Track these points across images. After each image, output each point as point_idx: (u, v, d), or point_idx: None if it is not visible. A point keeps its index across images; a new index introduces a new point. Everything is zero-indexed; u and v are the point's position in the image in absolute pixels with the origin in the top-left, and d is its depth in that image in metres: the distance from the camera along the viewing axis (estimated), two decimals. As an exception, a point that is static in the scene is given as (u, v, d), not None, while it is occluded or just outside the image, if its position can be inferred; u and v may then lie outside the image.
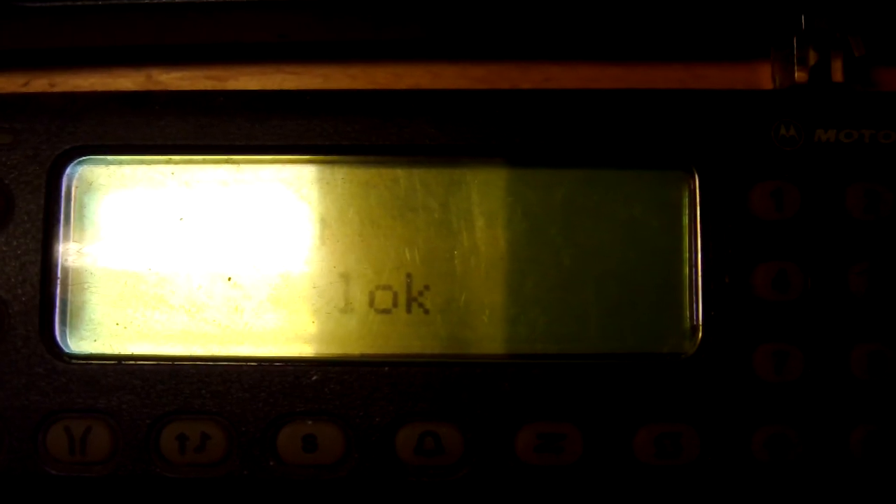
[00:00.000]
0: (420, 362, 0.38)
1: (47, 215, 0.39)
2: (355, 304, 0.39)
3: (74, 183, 0.39)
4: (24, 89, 0.41)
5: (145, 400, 0.38)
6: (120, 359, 0.38)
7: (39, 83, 0.41)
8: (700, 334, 0.38)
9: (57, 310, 0.38)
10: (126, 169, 0.39)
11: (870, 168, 0.38)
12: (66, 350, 0.38)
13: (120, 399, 0.38)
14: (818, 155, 0.38)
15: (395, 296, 0.39)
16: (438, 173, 0.39)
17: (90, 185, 0.39)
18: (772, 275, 0.38)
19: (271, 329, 0.39)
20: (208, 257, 0.39)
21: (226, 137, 0.39)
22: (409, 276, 0.39)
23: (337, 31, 0.40)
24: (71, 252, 0.39)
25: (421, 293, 0.39)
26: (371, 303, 0.39)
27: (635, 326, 0.39)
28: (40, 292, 0.38)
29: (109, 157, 0.39)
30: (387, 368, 0.38)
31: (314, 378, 0.38)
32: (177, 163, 0.39)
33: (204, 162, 0.39)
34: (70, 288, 0.39)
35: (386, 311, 0.39)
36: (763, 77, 0.41)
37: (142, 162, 0.39)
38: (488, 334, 0.39)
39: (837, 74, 0.39)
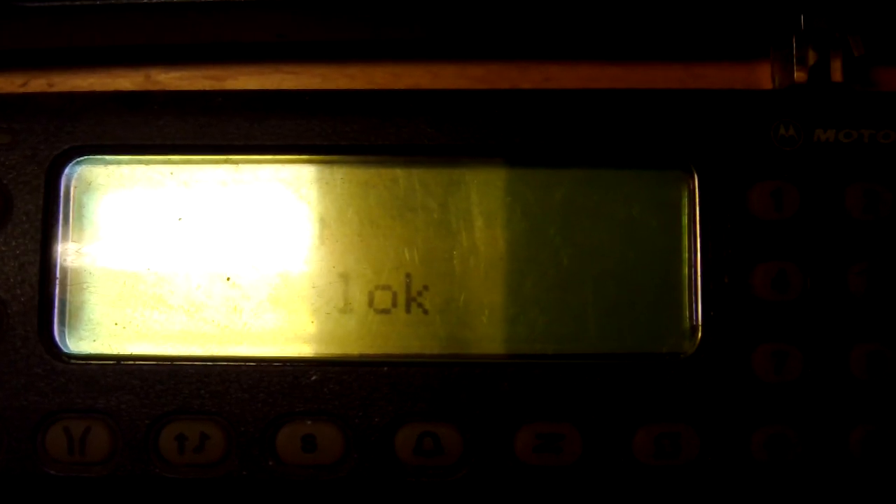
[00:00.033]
0: (419, 362, 0.38)
1: (46, 215, 0.38)
2: (354, 304, 0.39)
3: (73, 183, 0.39)
4: (22, 89, 0.41)
5: (144, 400, 0.38)
6: (119, 359, 0.38)
7: (38, 83, 0.41)
8: (699, 334, 0.38)
9: (56, 310, 0.38)
10: (125, 169, 0.39)
11: (869, 168, 0.38)
12: (65, 350, 0.38)
13: (119, 399, 0.38)
14: (817, 155, 0.38)
15: (395, 296, 0.39)
16: (438, 173, 0.39)
17: (89, 184, 0.39)
18: (771, 275, 0.38)
19: (270, 329, 0.39)
20: (207, 257, 0.39)
21: (224, 137, 0.39)
22: (408, 276, 0.39)
23: (335, 31, 0.40)
24: (70, 252, 0.39)
25: (420, 293, 0.39)
26: (370, 303, 0.39)
27: (634, 326, 0.39)
28: (39, 292, 0.38)
29: (108, 157, 0.39)
30: (386, 368, 0.38)
31: (313, 378, 0.38)
32: (175, 163, 0.39)
33: (203, 162, 0.39)
34: (69, 288, 0.39)
35: (385, 312, 0.39)
36: (762, 77, 0.40)
37: (140, 162, 0.39)
38: (487, 334, 0.39)
39: (837, 74, 0.39)
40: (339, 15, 0.40)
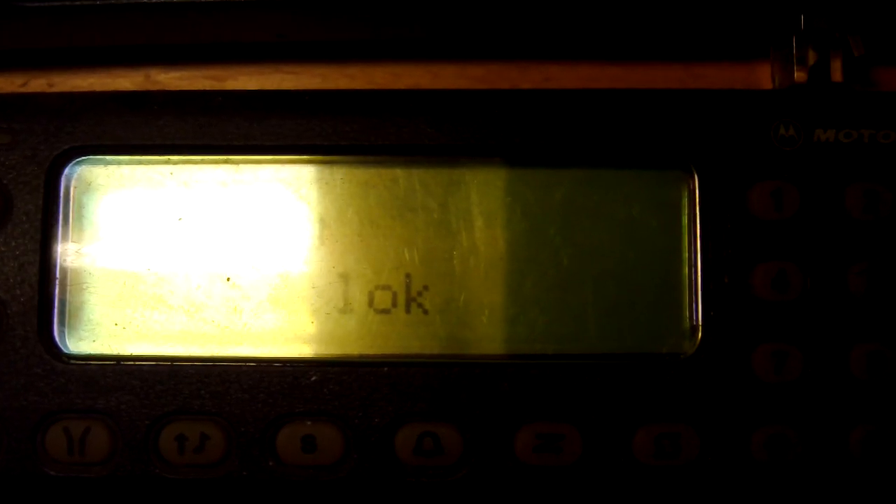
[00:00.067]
0: (419, 362, 0.38)
1: (46, 215, 0.38)
2: (354, 304, 0.39)
3: (73, 183, 0.39)
4: (22, 89, 0.41)
5: (144, 400, 0.38)
6: (119, 359, 0.38)
7: (38, 83, 0.41)
8: (699, 334, 0.38)
9: (55, 310, 0.38)
10: (125, 169, 0.39)
11: (869, 168, 0.38)
12: (65, 350, 0.38)
13: (119, 399, 0.38)
14: (817, 155, 0.38)
15: (395, 296, 0.39)
16: (437, 173, 0.39)
17: (89, 185, 0.39)
18: (771, 275, 0.38)
19: (270, 329, 0.39)
20: (207, 257, 0.39)
21: (224, 137, 0.39)
22: (408, 276, 0.39)
23: (335, 31, 0.40)
24: (69, 252, 0.39)
25: (420, 293, 0.39)
26: (370, 303, 0.39)
27: (634, 326, 0.39)
28: (39, 293, 0.38)
29: (108, 157, 0.39)
30: (386, 369, 0.38)
31: (313, 378, 0.38)
32: (175, 163, 0.39)
33: (203, 162, 0.39)
34: (69, 288, 0.39)
35: (385, 312, 0.39)
36: (762, 77, 0.40)
37: (140, 162, 0.39)
38: (487, 334, 0.39)
39: (837, 74, 0.39)
40: (339, 15, 0.40)
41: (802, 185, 0.38)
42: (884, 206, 0.38)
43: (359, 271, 0.39)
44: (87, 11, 0.40)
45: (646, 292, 0.39)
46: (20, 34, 0.40)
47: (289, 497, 0.38)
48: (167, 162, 0.39)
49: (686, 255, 0.38)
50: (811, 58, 0.39)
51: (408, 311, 0.39)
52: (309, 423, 0.38)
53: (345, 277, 0.39)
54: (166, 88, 0.41)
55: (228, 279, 0.39)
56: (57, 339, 0.38)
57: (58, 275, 0.39)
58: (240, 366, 0.38)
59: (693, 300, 0.38)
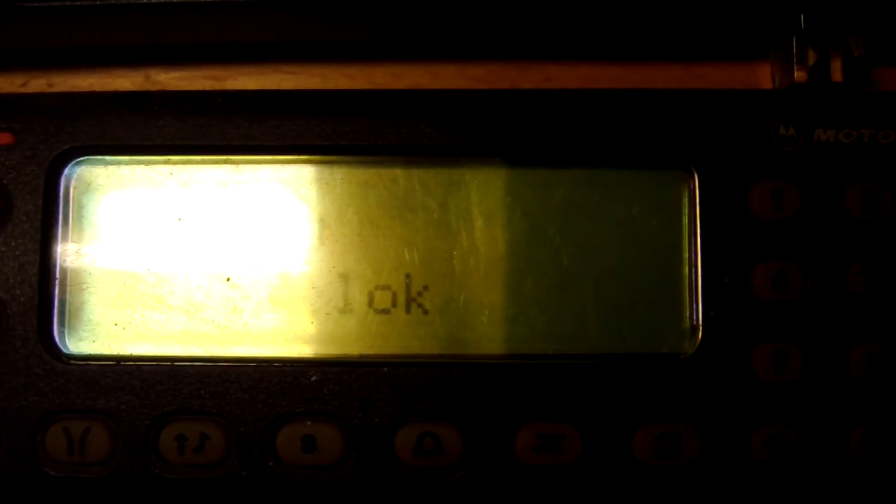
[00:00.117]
0: (419, 363, 0.38)
1: (46, 216, 0.38)
2: (354, 304, 0.39)
3: (73, 183, 0.39)
4: (22, 89, 0.41)
5: (144, 400, 0.38)
6: (119, 359, 0.38)
7: (38, 83, 0.41)
8: (699, 334, 0.38)
9: (55, 310, 0.38)
10: (124, 169, 0.39)
11: (869, 168, 0.38)
12: (65, 351, 0.38)
13: (119, 400, 0.38)
14: (817, 155, 0.38)
15: (395, 296, 0.39)
16: (437, 173, 0.39)
17: (89, 185, 0.39)
18: (771, 275, 0.38)
19: (270, 329, 0.39)
20: (207, 258, 0.39)
21: (224, 137, 0.39)
22: (408, 276, 0.39)
23: (335, 31, 0.40)
24: (69, 252, 0.39)
25: (420, 293, 0.39)
26: (370, 303, 0.39)
27: (635, 326, 0.39)
28: (39, 293, 0.38)
29: (108, 158, 0.39)
30: (386, 369, 0.38)
31: (313, 378, 0.38)
32: (175, 163, 0.39)
33: (202, 162, 0.39)
34: (69, 288, 0.39)
35: (385, 312, 0.39)
36: (762, 77, 0.40)
37: (140, 162, 0.39)
38: (487, 334, 0.39)
39: (837, 74, 0.39)
40: (339, 15, 0.40)
41: (802, 185, 0.38)
42: (884, 206, 0.38)
43: (359, 271, 0.39)
44: (87, 11, 0.40)
45: (646, 292, 0.39)
46: (20, 34, 0.40)
47: (289, 497, 0.38)
48: (167, 162, 0.39)
49: (686, 254, 0.38)
50: (811, 58, 0.39)
51: (408, 311, 0.39)
52: (309, 423, 0.38)
53: (345, 277, 0.39)
54: (166, 88, 0.41)
55: (228, 279, 0.39)
56: (57, 339, 0.38)
57: (58, 275, 0.39)
58: (240, 366, 0.38)
59: (693, 300, 0.38)
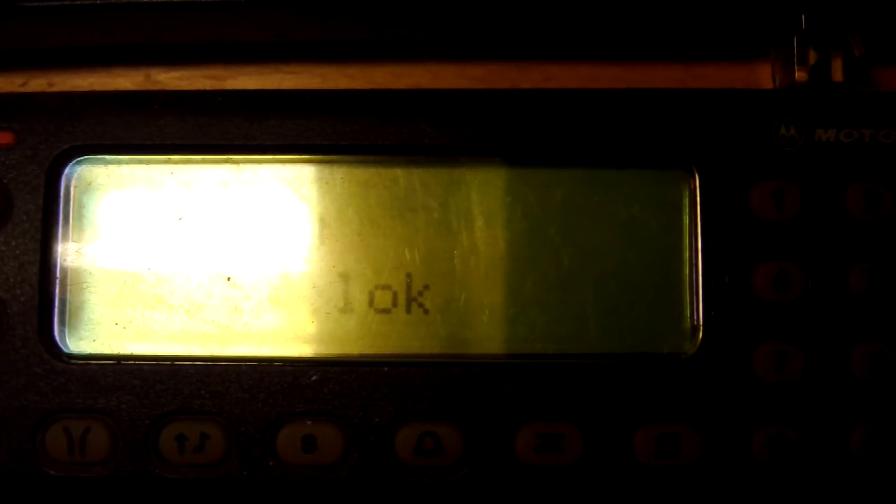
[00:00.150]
0: (419, 362, 0.38)
1: (46, 215, 0.38)
2: (355, 303, 0.39)
3: (73, 183, 0.39)
4: (22, 89, 0.41)
5: (144, 400, 0.38)
6: (119, 359, 0.38)
7: (38, 83, 0.41)
8: (700, 334, 0.38)
9: (56, 310, 0.38)
10: (125, 169, 0.39)
11: (870, 168, 0.38)
12: (65, 350, 0.38)
13: (119, 399, 0.38)
14: (818, 155, 0.38)
15: (395, 296, 0.39)
16: (438, 173, 0.39)
17: (89, 184, 0.39)
18: (772, 275, 0.38)
19: (271, 329, 0.39)
20: (207, 257, 0.39)
21: (224, 137, 0.39)
22: (408, 275, 0.39)
23: (335, 31, 0.40)
24: (70, 252, 0.39)
25: (420, 293, 0.39)
26: (370, 303, 0.39)
27: (635, 326, 0.39)
28: (39, 292, 0.38)
29: (108, 157, 0.39)
30: (386, 368, 0.38)
31: (313, 378, 0.38)
32: (176, 162, 0.39)
33: (203, 162, 0.39)
34: (69, 288, 0.39)
35: (385, 311, 0.39)
36: (763, 77, 0.40)
37: (141, 162, 0.39)
38: (488, 334, 0.39)
39: (837, 74, 0.39)
40: (339, 15, 0.40)
41: (803, 185, 0.38)
42: (885, 206, 0.38)
43: (359, 271, 0.39)
44: (87, 11, 0.40)
45: (646, 292, 0.39)
46: (20, 34, 0.40)
47: (289, 497, 0.38)
48: (167, 162, 0.39)
49: (687, 254, 0.38)
50: (812, 57, 0.39)
51: (408, 310, 0.39)
52: (309, 422, 0.38)
53: (345, 277, 0.39)
54: (166, 88, 0.41)
55: (229, 279, 0.39)
56: (57, 338, 0.38)
57: (58, 274, 0.39)
58: (240, 365, 0.38)
59: (694, 300, 0.38)
